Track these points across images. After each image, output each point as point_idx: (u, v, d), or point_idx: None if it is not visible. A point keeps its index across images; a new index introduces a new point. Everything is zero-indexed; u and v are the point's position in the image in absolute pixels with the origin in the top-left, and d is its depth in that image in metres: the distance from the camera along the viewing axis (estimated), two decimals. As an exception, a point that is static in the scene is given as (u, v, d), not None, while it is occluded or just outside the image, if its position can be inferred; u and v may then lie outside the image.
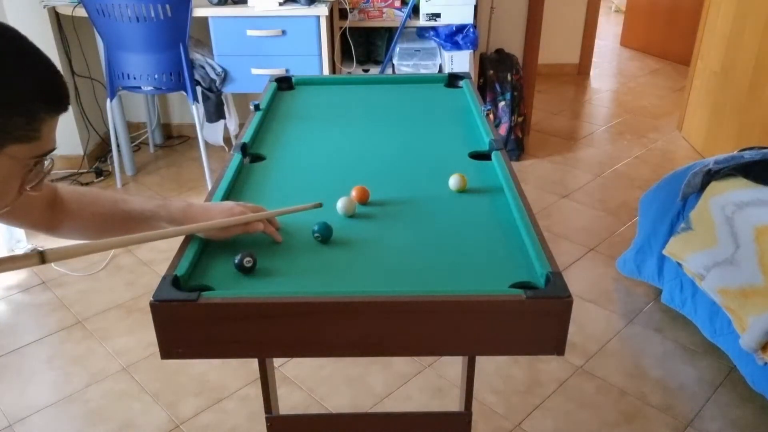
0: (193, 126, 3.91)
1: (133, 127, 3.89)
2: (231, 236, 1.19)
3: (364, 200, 1.34)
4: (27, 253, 0.90)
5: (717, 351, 2.28)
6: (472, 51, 3.37)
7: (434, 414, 1.68)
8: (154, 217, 1.20)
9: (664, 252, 2.37)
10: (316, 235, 1.21)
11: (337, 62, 3.49)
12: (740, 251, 2.04)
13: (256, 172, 1.52)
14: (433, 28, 3.46)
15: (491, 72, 3.62)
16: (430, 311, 1.03)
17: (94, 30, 3.25)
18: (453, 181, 1.40)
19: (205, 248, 1.20)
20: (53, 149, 0.91)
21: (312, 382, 2.19)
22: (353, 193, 1.33)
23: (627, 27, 6.04)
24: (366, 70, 3.53)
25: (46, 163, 0.92)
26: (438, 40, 3.44)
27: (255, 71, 3.27)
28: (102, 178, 3.58)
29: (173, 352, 1.06)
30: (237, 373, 2.22)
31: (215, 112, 3.44)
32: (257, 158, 1.59)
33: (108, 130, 3.50)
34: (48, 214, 1.17)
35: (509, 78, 3.61)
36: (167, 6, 2.96)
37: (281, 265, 1.16)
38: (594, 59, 5.42)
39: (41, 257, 0.94)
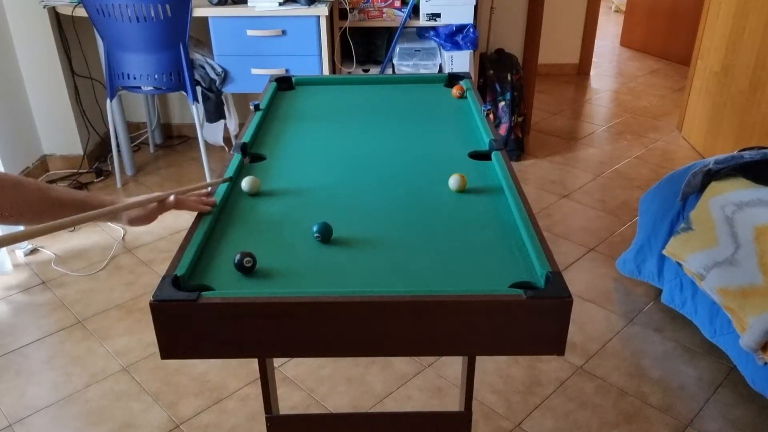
0: (193, 126, 3.92)
1: (133, 127, 3.89)
2: (152, 221, 1.27)
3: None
4: None
5: (717, 351, 2.28)
6: (472, 51, 3.37)
7: (434, 414, 1.68)
8: (84, 206, 1.20)
9: (664, 252, 2.37)
10: (316, 235, 1.21)
11: (337, 62, 3.49)
12: (740, 251, 2.04)
13: (256, 172, 1.52)
14: (433, 28, 3.46)
15: (491, 72, 3.62)
16: (430, 311, 1.03)
17: (94, 30, 3.25)
18: (453, 181, 1.40)
19: (206, 248, 1.20)
20: None
21: (312, 382, 2.19)
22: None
23: (627, 27, 6.04)
24: (366, 70, 3.52)
25: None
26: (438, 40, 3.44)
27: (255, 71, 3.27)
28: (102, 178, 3.58)
29: (173, 352, 1.06)
30: (237, 373, 2.22)
31: (215, 112, 3.45)
32: (257, 158, 1.59)
33: (108, 130, 3.49)
34: None
35: (509, 78, 3.61)
36: (167, 6, 2.96)
37: (281, 265, 1.16)
38: (594, 59, 5.43)
39: None
